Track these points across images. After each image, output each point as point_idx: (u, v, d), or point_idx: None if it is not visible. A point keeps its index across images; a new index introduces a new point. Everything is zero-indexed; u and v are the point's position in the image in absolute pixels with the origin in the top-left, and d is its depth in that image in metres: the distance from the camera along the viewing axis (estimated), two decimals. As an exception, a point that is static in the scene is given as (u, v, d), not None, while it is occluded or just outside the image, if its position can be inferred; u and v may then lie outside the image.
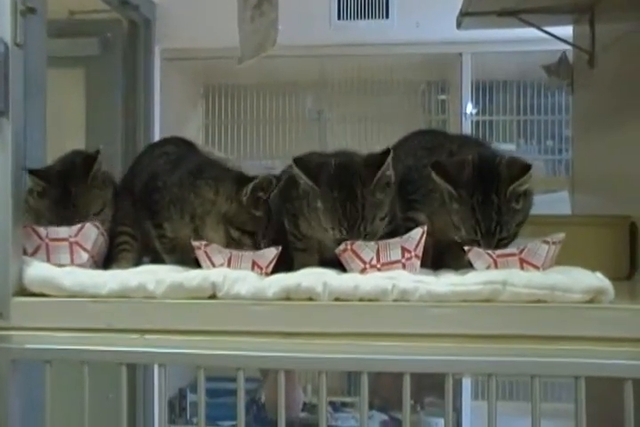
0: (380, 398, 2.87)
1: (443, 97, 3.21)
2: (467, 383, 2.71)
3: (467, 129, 2.83)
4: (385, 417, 2.84)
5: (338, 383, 3.09)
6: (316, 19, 2.79)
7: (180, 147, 1.24)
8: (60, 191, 1.12)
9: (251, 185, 1.07)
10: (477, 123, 3.03)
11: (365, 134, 3.12)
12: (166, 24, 2.81)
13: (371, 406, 2.74)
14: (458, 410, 2.68)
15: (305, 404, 2.96)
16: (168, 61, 2.88)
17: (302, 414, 2.89)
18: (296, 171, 1.03)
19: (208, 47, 2.73)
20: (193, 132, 3.17)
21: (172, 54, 2.87)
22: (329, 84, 3.12)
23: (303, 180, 1.03)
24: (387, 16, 2.83)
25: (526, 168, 0.99)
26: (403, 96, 3.19)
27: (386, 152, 1.03)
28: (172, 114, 2.92)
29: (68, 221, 1.10)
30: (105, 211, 1.16)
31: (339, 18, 2.84)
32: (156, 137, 2.77)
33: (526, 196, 1.01)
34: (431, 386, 2.90)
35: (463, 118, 2.85)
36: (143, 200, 1.16)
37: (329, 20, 2.83)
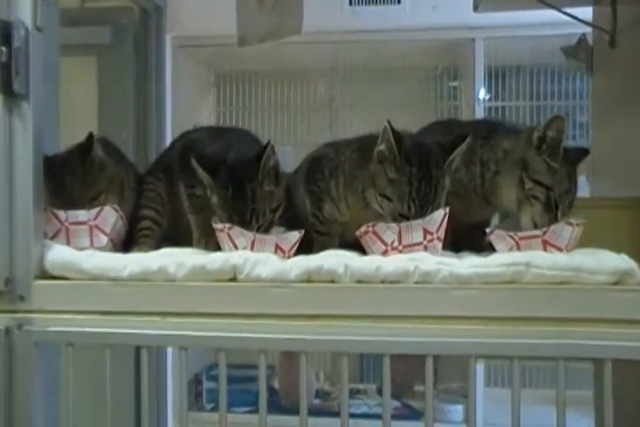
0: (392, 385, 2.87)
1: (455, 83, 3.19)
2: (479, 370, 2.72)
3: (479, 115, 2.82)
4: (397, 404, 2.85)
5: (350, 370, 3.09)
6: (328, 4, 2.76)
7: (216, 129, 1.25)
8: (54, 182, 1.11)
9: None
10: (490, 109, 3.01)
11: (377, 121, 3.10)
12: (177, 11, 2.80)
13: (382, 394, 2.75)
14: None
15: (318, 391, 2.97)
16: (179, 49, 2.87)
17: (315, 401, 2.90)
18: (386, 134, 1.01)
19: (219, 34, 2.70)
20: (204, 119, 3.16)
21: (183, 41, 2.87)
22: (340, 70, 3.11)
23: (387, 145, 1.01)
24: (398, 1, 2.81)
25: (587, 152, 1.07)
26: (415, 82, 3.17)
27: (461, 138, 1.02)
28: (183, 101, 2.92)
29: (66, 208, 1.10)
30: (105, 195, 1.15)
31: (350, 3, 2.82)
32: (168, 124, 2.77)
33: None
34: (444, 372, 2.91)
35: (476, 104, 2.83)
36: (180, 162, 1.15)
37: (340, 6, 2.82)
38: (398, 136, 1.01)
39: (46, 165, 1.08)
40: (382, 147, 1.01)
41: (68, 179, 1.12)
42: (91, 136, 1.14)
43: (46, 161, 1.08)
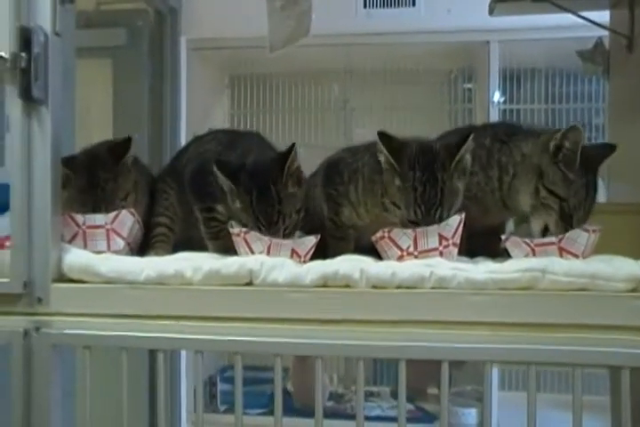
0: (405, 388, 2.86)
1: (469, 86, 3.18)
2: (494, 374, 2.70)
3: (494, 118, 2.81)
4: (411, 407, 2.85)
5: (363, 373, 3.09)
6: (343, 7, 2.77)
7: (228, 134, 1.25)
8: (87, 178, 1.13)
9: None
10: (505, 111, 2.99)
11: (391, 123, 3.10)
12: (192, 14, 2.81)
13: (395, 396, 2.74)
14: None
15: (330, 393, 2.97)
16: (194, 51, 2.88)
17: (328, 403, 2.90)
18: (379, 146, 1.01)
19: (234, 37, 2.73)
20: (219, 121, 3.17)
21: (197, 44, 2.87)
22: (355, 72, 3.11)
23: (384, 155, 1.01)
24: (413, 4, 2.81)
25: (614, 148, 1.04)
26: (429, 85, 3.17)
27: (465, 137, 1.01)
28: (198, 103, 2.93)
29: (95, 207, 1.12)
30: (130, 196, 1.17)
31: (365, 6, 2.83)
32: (183, 126, 2.78)
33: None
34: (456, 376, 2.90)
35: (490, 107, 2.82)
36: (194, 184, 1.15)
37: (355, 9, 2.82)
38: (395, 144, 1.00)
39: (77, 162, 1.12)
40: (381, 158, 1.02)
41: (103, 177, 1.14)
42: (129, 139, 1.17)
43: (76, 158, 1.13)
